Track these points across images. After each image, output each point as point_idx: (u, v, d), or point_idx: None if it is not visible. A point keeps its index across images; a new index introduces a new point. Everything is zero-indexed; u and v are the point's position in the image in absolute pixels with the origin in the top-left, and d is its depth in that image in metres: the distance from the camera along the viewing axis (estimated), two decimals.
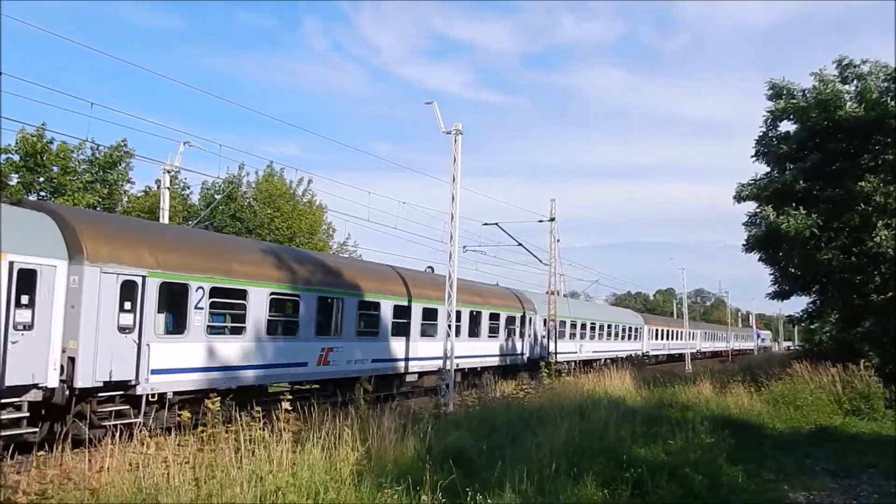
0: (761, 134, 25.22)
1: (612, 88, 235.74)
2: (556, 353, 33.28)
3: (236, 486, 7.34)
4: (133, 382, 13.47)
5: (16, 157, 26.41)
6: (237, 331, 16.06)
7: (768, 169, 25.41)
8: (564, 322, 36.54)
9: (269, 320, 16.76)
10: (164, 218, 25.00)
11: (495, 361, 28.67)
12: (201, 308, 14.97)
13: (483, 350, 27.65)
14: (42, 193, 27.57)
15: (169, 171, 25.62)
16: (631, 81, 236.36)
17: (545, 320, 33.99)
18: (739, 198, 24.83)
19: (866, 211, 21.44)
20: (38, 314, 12.23)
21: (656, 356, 52.61)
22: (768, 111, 24.33)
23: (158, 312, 14.31)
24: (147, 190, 32.96)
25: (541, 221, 35.32)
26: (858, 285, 23.16)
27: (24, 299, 12.02)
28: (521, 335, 31.47)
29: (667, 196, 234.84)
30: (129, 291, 13.45)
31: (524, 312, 31.80)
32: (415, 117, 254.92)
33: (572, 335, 38.19)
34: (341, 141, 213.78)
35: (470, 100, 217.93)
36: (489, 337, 28.31)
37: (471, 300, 26.78)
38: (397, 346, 21.98)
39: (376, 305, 21.06)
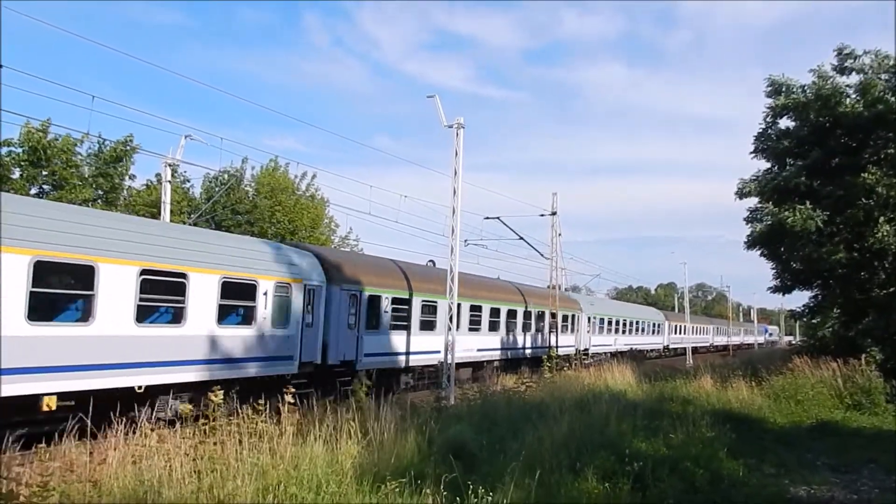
0: (760, 130, 25.17)
1: (613, 85, 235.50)
2: (556, 347, 33.35)
3: (238, 478, 7.35)
4: (354, 361, 19.88)
5: (19, 151, 26.42)
6: (402, 327, 22.49)
7: (768, 166, 25.38)
8: (603, 319, 42.49)
9: (421, 319, 23.46)
10: (166, 211, 24.98)
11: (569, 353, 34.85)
12: (387, 312, 21.62)
13: (545, 343, 33.98)
14: (45, 187, 27.60)
15: (170, 165, 25.60)
16: (632, 78, 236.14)
17: (588, 318, 39.79)
18: (741, 194, 24.76)
19: (868, 206, 21.40)
20: (315, 315, 18.30)
21: (675, 349, 57.97)
22: (768, 107, 24.26)
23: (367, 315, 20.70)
24: (148, 184, 32.99)
25: (542, 216, 35.26)
26: (861, 281, 23.14)
27: (308, 307, 17.97)
28: (576, 330, 38.14)
29: (668, 192, 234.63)
30: (353, 302, 19.95)
31: (576, 312, 38.41)
32: (416, 112, 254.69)
33: (609, 330, 43.21)
34: (343, 135, 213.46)
35: (471, 95, 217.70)
36: (551, 332, 34.65)
37: (537, 302, 33.33)
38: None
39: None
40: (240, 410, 9.31)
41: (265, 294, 16.35)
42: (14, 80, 30.21)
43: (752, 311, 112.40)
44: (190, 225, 27.06)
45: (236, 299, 15.73)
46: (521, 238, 35.29)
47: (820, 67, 23.10)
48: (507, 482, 7.89)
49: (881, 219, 20.88)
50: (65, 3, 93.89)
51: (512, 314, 30.05)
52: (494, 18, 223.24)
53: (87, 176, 28.56)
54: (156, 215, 27.13)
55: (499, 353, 28.85)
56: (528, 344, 32.02)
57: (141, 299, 13.29)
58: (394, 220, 26.33)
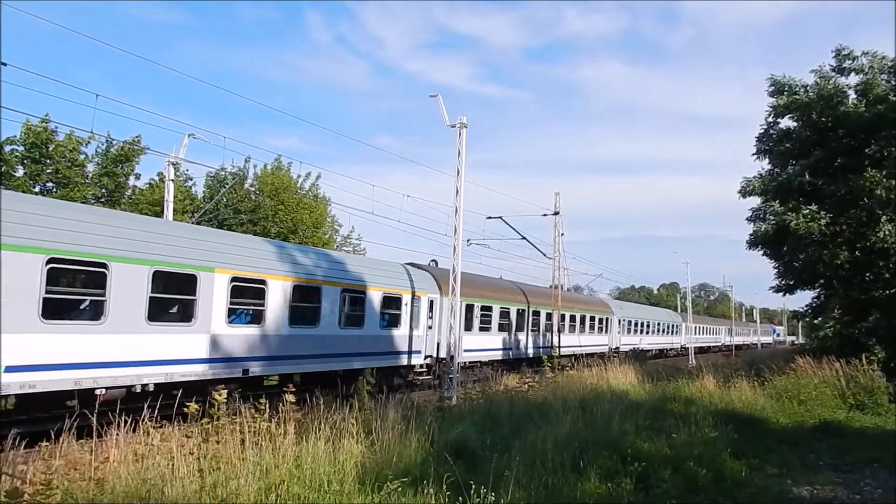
0: (762, 131, 25.15)
1: (615, 83, 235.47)
2: (559, 347, 33.35)
3: (241, 477, 7.36)
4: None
5: (21, 148, 26.48)
6: (486, 329, 28.01)
7: (770, 166, 25.35)
8: (631, 321, 47.68)
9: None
10: (169, 210, 25.00)
11: (594, 350, 39.17)
12: (477, 317, 27.02)
13: (587, 342, 39.56)
14: (49, 185, 27.66)
15: (174, 164, 25.62)
16: (634, 76, 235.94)
17: (619, 320, 44.62)
18: (745, 192, 24.74)
19: (870, 206, 21.38)
20: (435, 321, 23.86)
21: (689, 348, 61.71)
22: (770, 107, 24.24)
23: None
24: (151, 182, 33.03)
25: (545, 215, 35.32)
26: (863, 281, 23.11)
27: (429, 314, 23.45)
28: (608, 331, 43.12)
29: (670, 190, 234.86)
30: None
31: (608, 315, 43.55)
32: (418, 111, 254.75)
33: (635, 331, 48.47)
34: (345, 134, 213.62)
35: (473, 93, 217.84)
36: (588, 333, 40.03)
37: (575, 307, 38.77)
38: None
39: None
40: (242, 410, 9.30)
41: (406, 304, 22.18)
42: (17, 78, 30.28)
43: (754, 311, 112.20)
44: (193, 223, 27.09)
45: (390, 308, 21.49)
46: (524, 238, 35.38)
47: (821, 68, 23.13)
48: (510, 482, 7.90)
49: (883, 218, 20.85)
50: (67, 1, 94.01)
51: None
52: (496, 17, 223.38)
53: (92, 175, 28.63)
54: (159, 214, 27.18)
55: (531, 350, 32.54)
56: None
57: (347, 311, 19.84)
58: (396, 220, 26.41)
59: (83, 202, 27.18)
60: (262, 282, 16.43)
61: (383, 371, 20.97)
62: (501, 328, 29.47)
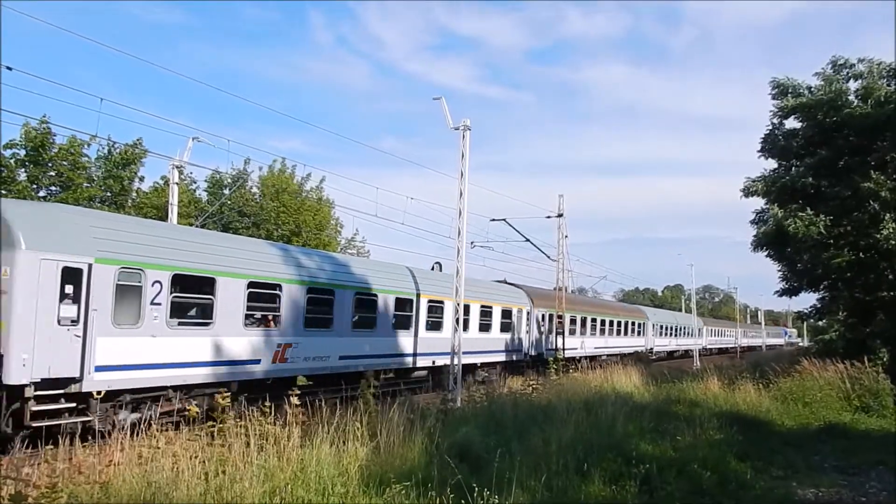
0: (767, 132, 25.13)
1: (618, 84, 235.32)
2: (563, 349, 33.34)
3: (245, 480, 7.37)
4: (543, 353, 32.28)
5: (22, 153, 26.49)
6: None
7: (775, 165, 25.33)
8: (662, 325, 54.86)
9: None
10: (173, 213, 25.04)
11: (628, 350, 45.24)
12: (541, 322, 33.52)
13: (628, 343, 46.42)
14: (52, 188, 27.71)
15: (178, 167, 25.67)
16: (636, 77, 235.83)
17: (652, 325, 51.80)
18: (748, 192, 24.69)
19: (874, 208, 21.33)
20: (529, 327, 30.75)
21: (710, 349, 69.74)
22: (776, 108, 24.20)
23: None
24: (156, 186, 33.07)
25: (549, 217, 35.23)
26: (867, 282, 23.04)
27: (527, 322, 30.73)
28: (644, 335, 50.10)
29: (674, 192, 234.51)
30: (542, 318, 32.98)
31: (644, 321, 50.51)
32: (421, 112, 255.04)
33: (666, 334, 55.57)
34: (348, 136, 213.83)
35: (476, 95, 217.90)
36: (625, 335, 46.08)
37: (620, 314, 46.35)
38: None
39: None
40: (247, 413, 9.31)
41: (517, 314, 30.16)
42: (19, 82, 30.34)
43: (759, 312, 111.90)
44: (198, 227, 27.14)
45: (505, 318, 29.00)
46: (528, 240, 35.40)
47: (824, 71, 23.15)
48: (514, 484, 7.89)
49: (887, 216, 20.77)
50: (67, 2, 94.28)
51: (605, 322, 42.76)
52: (498, 18, 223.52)
53: (95, 178, 28.67)
54: (163, 217, 27.24)
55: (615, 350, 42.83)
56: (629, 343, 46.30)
57: (481, 321, 27.12)
58: (400, 222, 26.43)
59: (86, 205, 27.28)
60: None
61: (504, 363, 29.09)
62: (592, 333, 40.05)
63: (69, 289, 12.17)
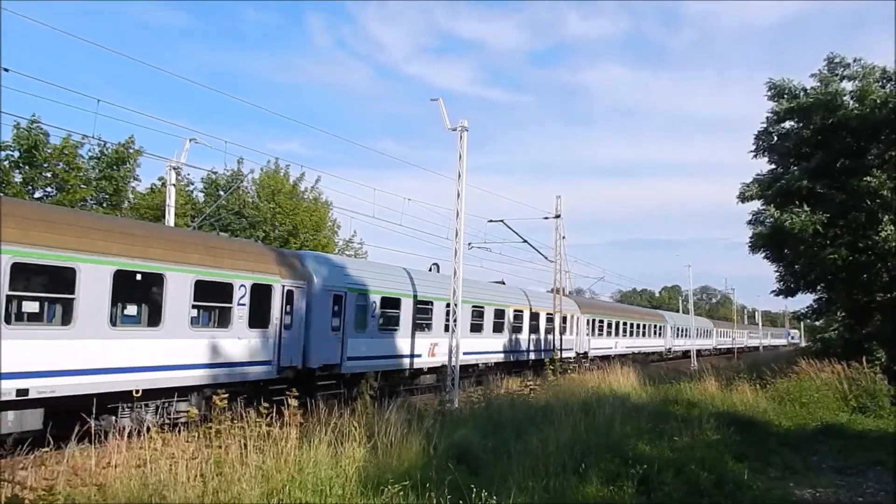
0: (761, 130, 25.12)
1: (618, 86, 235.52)
2: (560, 350, 33.37)
3: (242, 482, 7.35)
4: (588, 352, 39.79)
5: (16, 154, 26.36)
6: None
7: (770, 166, 25.33)
8: (679, 327, 61.19)
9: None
10: (171, 215, 25.01)
11: (654, 349, 53.43)
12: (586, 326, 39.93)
13: (650, 344, 52.79)
14: (48, 189, 27.59)
15: (175, 168, 25.62)
16: (636, 78, 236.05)
17: (671, 327, 58.14)
18: (743, 198, 24.68)
19: (872, 208, 21.35)
20: (579, 329, 37.98)
21: (719, 349, 76.31)
22: (771, 111, 24.19)
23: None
24: (153, 187, 32.95)
25: (546, 218, 35.33)
26: (865, 283, 23.06)
27: (572, 326, 36.63)
28: (663, 336, 56.34)
29: (673, 193, 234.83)
30: (588, 323, 39.53)
31: (664, 324, 56.82)
32: (420, 114, 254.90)
33: (682, 335, 61.81)
34: (347, 138, 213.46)
35: (476, 97, 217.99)
36: (650, 337, 53.14)
37: (644, 318, 53.32)
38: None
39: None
40: (244, 414, 9.29)
41: (571, 319, 37.42)
42: (15, 83, 30.20)
43: (756, 313, 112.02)
44: (195, 228, 27.09)
45: (564, 323, 35.86)
46: (525, 241, 35.48)
47: (821, 72, 23.19)
48: (511, 486, 7.89)
49: (885, 218, 20.79)
50: (65, 2, 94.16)
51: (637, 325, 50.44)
52: (498, 21, 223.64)
53: (89, 179, 28.51)
54: (160, 218, 27.18)
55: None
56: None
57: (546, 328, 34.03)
58: (398, 224, 26.47)
59: (82, 206, 27.20)
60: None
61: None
62: (623, 334, 46.62)
63: None
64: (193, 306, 14.94)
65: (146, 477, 7.59)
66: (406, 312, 22.30)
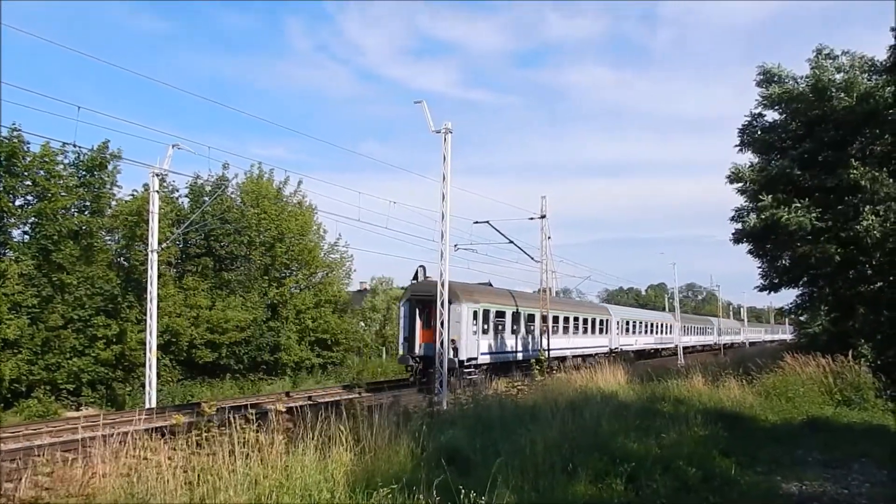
0: (745, 123, 25.26)
1: (601, 86, 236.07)
2: (549, 350, 33.45)
3: (230, 489, 7.32)
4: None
5: None
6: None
7: (755, 158, 25.47)
8: (685, 326, 65.41)
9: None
10: (154, 221, 24.87)
11: (664, 346, 59.39)
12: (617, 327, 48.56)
13: (660, 341, 58.76)
14: (28, 197, 27.34)
15: (158, 175, 25.47)
16: (620, 78, 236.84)
17: (679, 325, 62.95)
18: (733, 179, 24.73)
19: (854, 201, 21.51)
20: (612, 329, 46.71)
21: (723, 344, 78.94)
22: (761, 96, 24.23)
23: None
24: (134, 194, 32.56)
25: (532, 219, 35.40)
26: (849, 277, 23.23)
27: (601, 329, 45.03)
28: (671, 334, 61.78)
29: (657, 192, 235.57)
30: (623, 324, 50.14)
31: (673, 323, 62.61)
32: (403, 117, 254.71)
33: (687, 332, 66.26)
34: (330, 141, 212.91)
35: (459, 99, 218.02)
36: (660, 335, 58.96)
37: (655, 319, 60.37)
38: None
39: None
40: (232, 420, 9.25)
41: (605, 321, 45.46)
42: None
43: (742, 309, 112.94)
44: (181, 235, 26.93)
45: (599, 325, 44.31)
46: (511, 242, 35.57)
47: (817, 59, 23.23)
48: (501, 485, 7.89)
49: (867, 208, 20.92)
50: (45, 3, 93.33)
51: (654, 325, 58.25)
52: (479, 22, 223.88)
53: (70, 186, 28.21)
54: (141, 224, 27.01)
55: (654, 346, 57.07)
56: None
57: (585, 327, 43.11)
58: (383, 227, 26.43)
59: (64, 213, 26.98)
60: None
61: (599, 354, 40.04)
62: (641, 333, 53.45)
63: None
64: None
65: (132, 486, 7.54)
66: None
